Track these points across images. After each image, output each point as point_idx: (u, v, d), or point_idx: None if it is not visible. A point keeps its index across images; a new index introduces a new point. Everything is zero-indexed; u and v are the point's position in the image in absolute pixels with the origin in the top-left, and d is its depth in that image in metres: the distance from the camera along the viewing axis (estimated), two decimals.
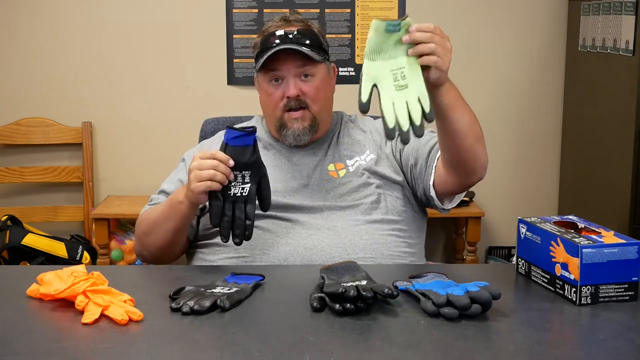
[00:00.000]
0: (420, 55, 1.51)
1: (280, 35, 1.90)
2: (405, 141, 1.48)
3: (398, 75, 1.49)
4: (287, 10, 3.43)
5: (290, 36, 1.90)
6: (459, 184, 1.82)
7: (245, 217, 1.69)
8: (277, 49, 1.87)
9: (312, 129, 1.92)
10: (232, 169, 1.68)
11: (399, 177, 1.93)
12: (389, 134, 1.47)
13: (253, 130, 1.70)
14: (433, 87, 1.56)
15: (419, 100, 1.48)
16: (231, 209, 1.69)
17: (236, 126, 1.74)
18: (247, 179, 1.70)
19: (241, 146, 1.69)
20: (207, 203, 1.73)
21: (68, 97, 3.53)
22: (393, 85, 1.48)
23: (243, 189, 1.69)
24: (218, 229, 1.71)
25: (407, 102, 1.47)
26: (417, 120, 1.47)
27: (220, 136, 2.04)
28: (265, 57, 1.88)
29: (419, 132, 1.47)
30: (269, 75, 1.91)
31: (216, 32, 3.50)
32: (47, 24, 3.49)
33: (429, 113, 1.47)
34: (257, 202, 1.72)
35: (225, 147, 1.69)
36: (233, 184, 1.69)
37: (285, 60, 1.89)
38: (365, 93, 1.48)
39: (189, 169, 1.72)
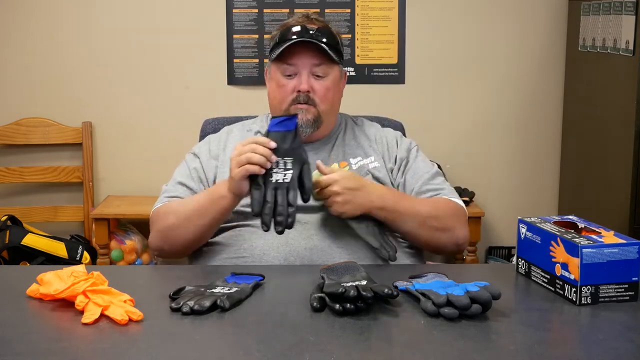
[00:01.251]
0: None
1: (302, 29, 1.91)
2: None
3: None
4: (287, 10, 3.43)
5: (311, 32, 1.91)
6: (433, 252, 1.96)
7: (288, 204, 1.65)
8: (297, 40, 1.89)
9: (315, 123, 1.93)
10: (275, 154, 1.65)
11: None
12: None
13: (295, 114, 1.70)
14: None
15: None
16: (273, 195, 1.65)
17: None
18: (289, 165, 1.66)
19: (283, 132, 1.67)
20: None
21: (68, 97, 3.53)
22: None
23: (285, 175, 1.66)
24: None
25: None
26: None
27: (225, 132, 2.04)
28: (284, 46, 1.89)
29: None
30: (283, 67, 1.92)
31: (216, 32, 3.50)
32: (48, 24, 3.49)
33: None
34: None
35: (267, 134, 1.69)
36: (275, 170, 1.65)
37: (302, 55, 1.90)
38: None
39: (230, 158, 1.71)
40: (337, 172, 1.75)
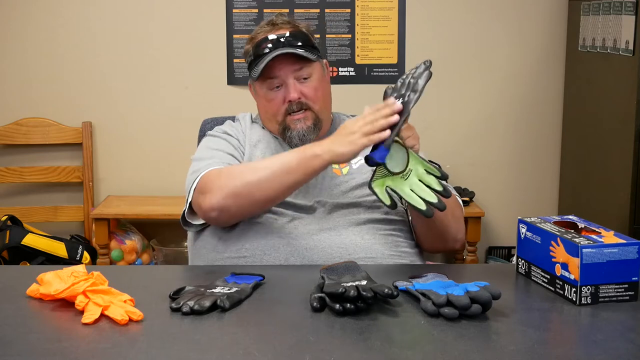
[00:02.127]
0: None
1: (273, 39, 1.90)
2: (441, 209, 1.54)
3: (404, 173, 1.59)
4: (287, 10, 3.43)
5: (282, 39, 1.90)
6: (429, 247, 1.92)
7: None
8: (272, 55, 1.87)
9: (316, 127, 1.92)
10: None
11: None
12: (427, 213, 1.54)
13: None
14: None
15: (427, 171, 1.57)
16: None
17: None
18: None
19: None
20: None
21: (68, 97, 3.53)
22: (402, 179, 1.58)
23: None
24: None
25: (421, 181, 1.56)
26: (438, 186, 1.55)
27: (240, 117, 2.05)
28: (262, 65, 1.88)
29: (446, 194, 1.55)
30: (267, 82, 1.91)
31: (216, 32, 3.50)
32: (47, 23, 3.49)
33: (442, 174, 1.56)
34: None
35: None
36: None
37: (282, 65, 1.89)
38: (386, 198, 1.57)
39: (355, 121, 1.66)
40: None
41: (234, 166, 1.84)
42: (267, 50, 1.89)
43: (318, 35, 2.05)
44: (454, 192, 1.92)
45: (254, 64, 1.92)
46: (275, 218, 1.84)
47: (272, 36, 1.91)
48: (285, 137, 1.93)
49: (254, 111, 2.16)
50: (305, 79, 1.91)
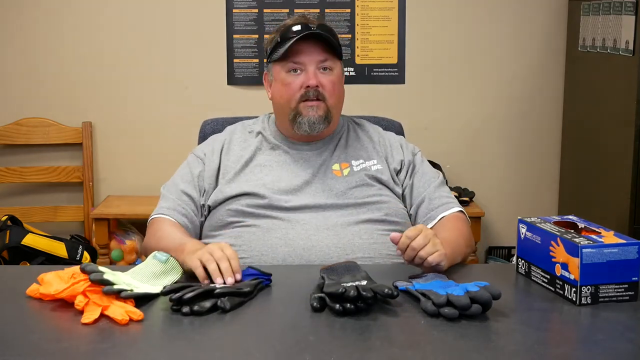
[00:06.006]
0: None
1: (301, 28, 1.91)
2: None
3: None
4: (287, 10, 3.43)
5: (312, 28, 1.91)
6: None
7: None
8: (302, 34, 1.88)
9: (326, 119, 1.92)
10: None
11: (399, 191, 1.96)
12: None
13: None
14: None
15: None
16: None
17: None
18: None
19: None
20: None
21: (68, 97, 3.53)
22: None
23: None
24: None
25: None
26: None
27: (229, 132, 2.04)
28: (291, 42, 1.89)
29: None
30: (288, 65, 1.92)
31: (216, 32, 3.50)
32: (47, 23, 3.49)
33: None
34: None
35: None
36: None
37: (308, 51, 1.90)
38: None
39: (200, 253, 1.58)
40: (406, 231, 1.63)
41: (157, 226, 1.90)
42: (294, 35, 1.90)
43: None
44: (458, 207, 1.95)
45: (279, 46, 1.92)
46: (274, 218, 1.84)
47: (300, 26, 1.91)
48: (295, 123, 1.93)
49: (255, 111, 2.17)
50: (326, 69, 1.92)
